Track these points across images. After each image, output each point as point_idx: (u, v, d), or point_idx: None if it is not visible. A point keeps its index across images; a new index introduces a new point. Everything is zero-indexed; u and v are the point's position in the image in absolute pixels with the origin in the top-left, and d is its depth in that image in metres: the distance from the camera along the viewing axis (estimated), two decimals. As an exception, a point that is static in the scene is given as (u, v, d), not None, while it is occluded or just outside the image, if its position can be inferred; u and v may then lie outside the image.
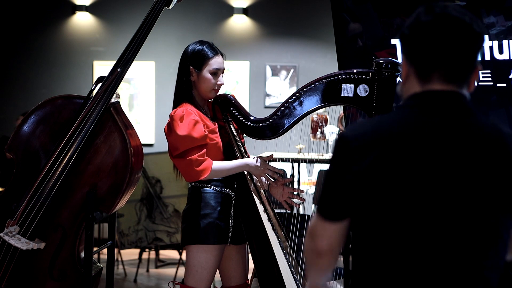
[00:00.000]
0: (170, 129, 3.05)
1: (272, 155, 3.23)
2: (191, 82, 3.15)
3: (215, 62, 3.13)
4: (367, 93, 2.93)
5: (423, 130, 1.57)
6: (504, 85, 3.77)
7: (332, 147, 1.64)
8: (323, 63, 7.31)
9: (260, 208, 3.14)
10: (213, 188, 3.12)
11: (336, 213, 1.63)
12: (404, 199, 1.55)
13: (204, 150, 3.05)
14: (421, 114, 1.59)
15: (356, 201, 1.60)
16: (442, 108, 1.58)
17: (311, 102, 3.02)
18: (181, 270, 5.71)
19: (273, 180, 3.22)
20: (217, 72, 3.13)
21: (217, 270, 3.25)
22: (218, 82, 3.14)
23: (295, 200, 3.25)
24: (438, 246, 1.56)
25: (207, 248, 3.09)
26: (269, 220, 3.15)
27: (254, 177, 3.19)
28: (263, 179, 3.22)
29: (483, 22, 1.50)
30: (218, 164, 3.08)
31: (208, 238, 3.09)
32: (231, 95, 3.20)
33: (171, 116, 3.06)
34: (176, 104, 3.17)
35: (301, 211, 5.52)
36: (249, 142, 3.36)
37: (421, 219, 1.56)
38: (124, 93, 7.46)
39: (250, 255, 3.26)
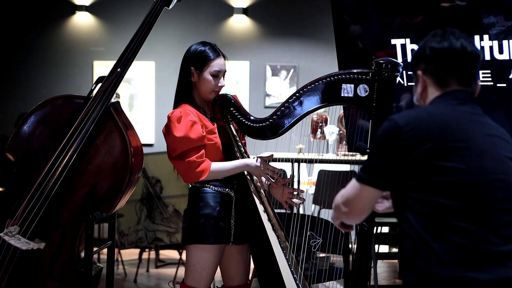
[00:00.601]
0: (167, 131, 3.06)
1: (272, 155, 3.23)
2: (191, 83, 3.15)
3: (217, 64, 3.12)
4: (367, 93, 2.93)
5: (466, 115, 1.99)
6: (504, 85, 3.77)
7: (381, 131, 1.99)
8: (323, 63, 7.31)
9: (260, 208, 3.14)
10: (213, 188, 3.13)
11: (385, 184, 1.99)
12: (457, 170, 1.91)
13: (203, 151, 3.05)
14: (459, 104, 2.01)
15: (403, 175, 1.94)
16: (469, 99, 2.03)
17: (311, 102, 3.02)
18: (181, 270, 5.70)
19: (273, 181, 3.22)
20: (218, 74, 3.13)
21: (219, 270, 3.25)
22: (219, 84, 3.14)
23: (295, 200, 3.25)
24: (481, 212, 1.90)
25: (206, 247, 3.09)
26: (269, 220, 3.15)
27: (254, 177, 3.19)
28: (263, 179, 3.22)
29: (473, 42, 2.10)
30: (217, 165, 3.08)
31: (207, 238, 3.09)
32: (231, 95, 3.20)
33: (169, 117, 3.06)
34: (176, 105, 3.17)
35: (301, 211, 5.52)
36: (249, 142, 3.36)
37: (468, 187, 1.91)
38: (124, 93, 7.46)
39: (250, 255, 3.26)
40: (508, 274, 1.86)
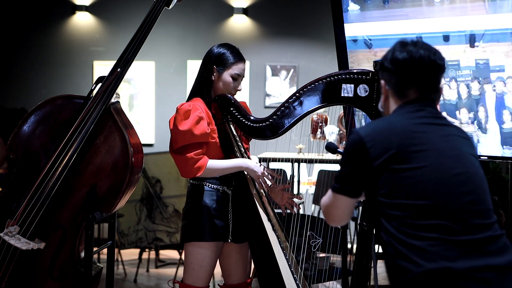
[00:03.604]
0: (174, 122, 3.07)
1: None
2: (210, 81, 3.17)
3: (238, 67, 3.19)
4: (367, 93, 2.93)
5: (423, 120, 2.09)
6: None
7: (348, 143, 2.11)
8: (323, 63, 7.31)
9: (260, 208, 3.15)
10: (210, 185, 3.14)
11: (356, 192, 2.10)
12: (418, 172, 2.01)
13: (203, 148, 3.07)
14: (417, 111, 2.10)
15: (372, 183, 2.06)
16: (427, 104, 2.12)
17: (311, 102, 3.02)
18: (181, 270, 5.70)
19: (269, 183, 3.21)
20: (237, 78, 3.20)
21: (219, 267, 3.26)
22: (237, 88, 3.21)
23: (295, 200, 3.26)
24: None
25: (202, 245, 3.10)
26: (269, 220, 3.15)
27: (254, 177, 3.20)
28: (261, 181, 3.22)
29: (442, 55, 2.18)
30: (213, 162, 3.09)
31: (203, 235, 3.10)
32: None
33: (177, 109, 3.09)
34: (190, 98, 3.20)
35: (301, 211, 5.52)
36: (249, 142, 3.36)
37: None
38: (124, 93, 7.46)
39: (250, 255, 3.26)
40: (486, 261, 1.95)
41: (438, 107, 2.19)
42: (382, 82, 2.18)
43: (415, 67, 2.10)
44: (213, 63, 3.17)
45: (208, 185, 3.15)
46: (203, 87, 3.19)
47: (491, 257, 1.96)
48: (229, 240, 3.16)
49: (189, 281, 3.14)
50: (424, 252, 1.94)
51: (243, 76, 3.25)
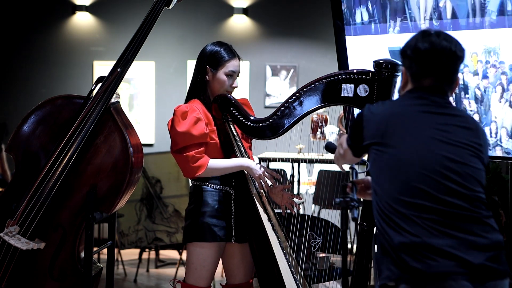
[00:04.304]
0: (172, 124, 3.07)
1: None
2: (205, 81, 3.16)
3: (232, 64, 3.18)
4: (367, 93, 2.93)
5: (420, 108, 2.20)
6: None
7: (356, 116, 2.32)
8: (323, 63, 7.31)
9: (260, 208, 3.15)
10: (212, 186, 3.14)
11: (358, 155, 2.38)
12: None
13: (203, 148, 3.07)
14: (417, 98, 2.22)
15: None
16: (433, 92, 2.22)
17: (311, 102, 3.02)
18: (181, 270, 5.70)
19: (269, 183, 3.21)
20: (232, 75, 3.18)
21: (221, 268, 3.25)
22: (233, 85, 3.19)
23: (295, 200, 3.26)
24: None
25: (204, 245, 3.10)
26: (269, 220, 3.15)
27: (254, 177, 3.20)
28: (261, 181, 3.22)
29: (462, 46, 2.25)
30: (214, 162, 3.09)
31: (205, 236, 3.10)
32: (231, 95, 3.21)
33: (174, 111, 3.09)
34: (187, 100, 3.19)
35: (301, 211, 5.52)
36: (250, 141, 3.36)
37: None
38: (124, 93, 7.46)
39: (250, 255, 3.26)
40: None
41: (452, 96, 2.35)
42: (403, 68, 2.28)
43: (436, 58, 2.18)
44: (206, 63, 3.16)
45: (210, 186, 3.15)
46: (199, 89, 3.18)
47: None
48: (233, 241, 3.16)
49: (191, 281, 3.15)
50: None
51: (239, 73, 3.22)
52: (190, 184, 3.23)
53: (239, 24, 7.47)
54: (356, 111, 3.28)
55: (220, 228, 3.12)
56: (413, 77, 2.24)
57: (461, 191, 2.10)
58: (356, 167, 2.54)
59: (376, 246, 2.27)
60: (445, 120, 2.18)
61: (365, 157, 2.45)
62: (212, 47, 3.19)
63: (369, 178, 2.42)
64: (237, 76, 3.22)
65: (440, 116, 2.19)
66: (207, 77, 3.17)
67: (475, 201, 2.11)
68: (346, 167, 2.73)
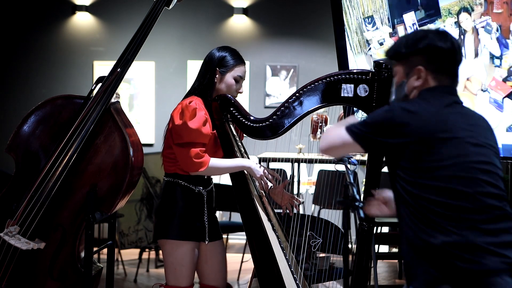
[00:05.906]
0: (180, 117, 3.06)
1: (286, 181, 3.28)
2: (213, 83, 3.17)
3: (240, 69, 3.22)
4: (367, 93, 2.93)
5: (451, 109, 2.21)
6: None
7: (381, 112, 2.22)
8: (323, 63, 7.31)
9: (260, 208, 3.15)
10: (184, 184, 3.13)
11: (368, 149, 2.34)
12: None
13: (205, 148, 3.07)
14: (444, 98, 2.22)
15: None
16: (453, 93, 2.26)
17: (311, 102, 3.02)
18: (181, 270, 5.70)
19: (270, 184, 3.21)
20: (239, 80, 3.22)
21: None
22: (239, 90, 3.23)
23: (296, 200, 3.26)
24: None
25: (181, 243, 3.11)
26: (269, 220, 3.15)
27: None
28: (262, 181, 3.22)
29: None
30: (216, 161, 3.09)
31: (182, 234, 3.10)
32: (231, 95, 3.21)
33: (185, 105, 3.06)
34: (188, 96, 3.19)
35: (301, 211, 5.52)
36: (249, 142, 3.36)
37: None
38: (124, 93, 7.46)
39: (250, 255, 3.26)
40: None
41: None
42: (420, 67, 2.24)
43: (456, 57, 2.25)
44: (216, 66, 3.18)
45: (183, 183, 3.14)
46: (206, 89, 3.18)
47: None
48: (206, 242, 3.17)
49: (172, 282, 3.14)
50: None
51: (244, 79, 3.26)
52: (163, 179, 3.21)
53: (239, 24, 7.47)
54: (359, 112, 3.28)
55: (196, 228, 3.13)
56: (432, 75, 2.24)
57: (494, 191, 2.14)
58: (350, 167, 2.53)
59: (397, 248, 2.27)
60: (469, 120, 2.21)
61: (357, 157, 2.45)
62: (222, 52, 3.22)
63: (390, 194, 2.34)
64: (243, 81, 3.26)
65: (465, 116, 2.22)
66: (215, 79, 3.18)
67: (504, 200, 2.16)
68: (339, 167, 2.71)
